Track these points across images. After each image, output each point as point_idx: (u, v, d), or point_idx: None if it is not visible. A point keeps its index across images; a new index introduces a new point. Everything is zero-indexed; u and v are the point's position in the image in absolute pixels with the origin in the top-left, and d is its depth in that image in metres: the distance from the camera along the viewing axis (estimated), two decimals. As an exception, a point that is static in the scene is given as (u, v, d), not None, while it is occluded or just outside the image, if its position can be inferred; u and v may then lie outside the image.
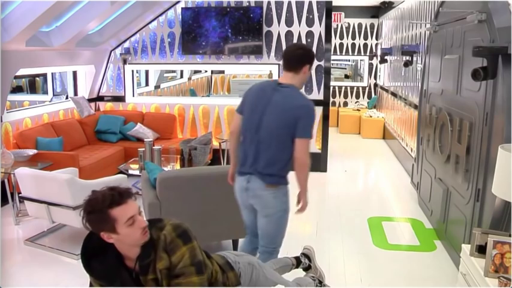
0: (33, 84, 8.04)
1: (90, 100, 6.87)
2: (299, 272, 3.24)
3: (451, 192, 3.88)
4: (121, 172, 4.92)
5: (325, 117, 6.65)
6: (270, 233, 2.87)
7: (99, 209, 1.76)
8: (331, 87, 9.68)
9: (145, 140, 5.25)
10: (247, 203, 2.90)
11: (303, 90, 2.93)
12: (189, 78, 10.83)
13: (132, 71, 7.19)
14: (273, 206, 2.79)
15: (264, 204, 2.80)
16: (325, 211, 5.25)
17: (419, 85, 5.39)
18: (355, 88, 11.13)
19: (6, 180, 4.70)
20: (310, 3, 6.44)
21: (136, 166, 5.19)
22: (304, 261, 3.18)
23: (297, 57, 2.76)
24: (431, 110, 4.59)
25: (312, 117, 2.71)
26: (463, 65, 3.68)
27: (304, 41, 6.51)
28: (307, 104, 2.72)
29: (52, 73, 7.09)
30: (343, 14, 9.85)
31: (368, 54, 10.77)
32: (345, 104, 11.09)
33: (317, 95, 6.61)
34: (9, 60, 4.78)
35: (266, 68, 8.29)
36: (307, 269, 3.19)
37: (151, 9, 6.50)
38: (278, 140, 2.70)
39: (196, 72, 11.07)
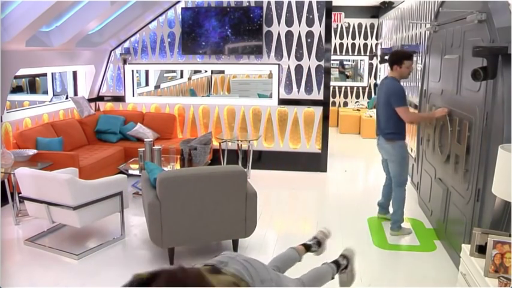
0: (33, 84, 8.04)
1: (90, 100, 6.86)
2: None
3: (451, 192, 3.88)
4: (121, 172, 4.91)
5: (325, 117, 6.64)
6: (396, 172, 4.31)
7: None
8: (331, 87, 9.68)
9: (145, 140, 5.25)
10: (381, 153, 4.49)
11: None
12: (189, 78, 10.81)
13: (132, 71, 7.19)
14: (393, 154, 4.25)
15: (387, 153, 4.33)
16: (325, 211, 5.26)
17: (419, 85, 5.39)
18: (355, 88, 11.13)
19: (6, 180, 4.70)
20: (310, 3, 6.44)
21: (136, 166, 5.19)
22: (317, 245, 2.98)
23: (389, 61, 4.29)
24: (431, 110, 4.58)
25: (396, 93, 4.12)
26: (463, 65, 3.68)
27: (304, 41, 6.51)
28: (393, 86, 4.18)
29: (52, 73, 7.08)
30: (343, 14, 9.85)
31: (368, 54, 10.78)
32: (345, 104, 11.09)
33: (317, 95, 6.61)
34: (9, 60, 4.77)
35: (266, 68, 8.32)
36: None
37: (151, 9, 6.49)
38: (385, 112, 4.21)
39: (196, 72, 11.06)
